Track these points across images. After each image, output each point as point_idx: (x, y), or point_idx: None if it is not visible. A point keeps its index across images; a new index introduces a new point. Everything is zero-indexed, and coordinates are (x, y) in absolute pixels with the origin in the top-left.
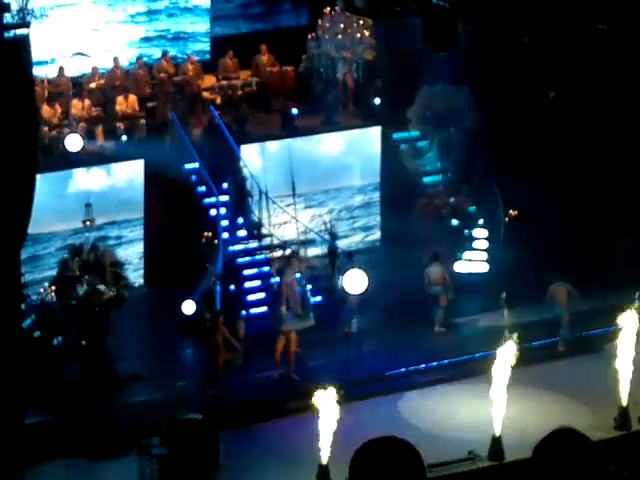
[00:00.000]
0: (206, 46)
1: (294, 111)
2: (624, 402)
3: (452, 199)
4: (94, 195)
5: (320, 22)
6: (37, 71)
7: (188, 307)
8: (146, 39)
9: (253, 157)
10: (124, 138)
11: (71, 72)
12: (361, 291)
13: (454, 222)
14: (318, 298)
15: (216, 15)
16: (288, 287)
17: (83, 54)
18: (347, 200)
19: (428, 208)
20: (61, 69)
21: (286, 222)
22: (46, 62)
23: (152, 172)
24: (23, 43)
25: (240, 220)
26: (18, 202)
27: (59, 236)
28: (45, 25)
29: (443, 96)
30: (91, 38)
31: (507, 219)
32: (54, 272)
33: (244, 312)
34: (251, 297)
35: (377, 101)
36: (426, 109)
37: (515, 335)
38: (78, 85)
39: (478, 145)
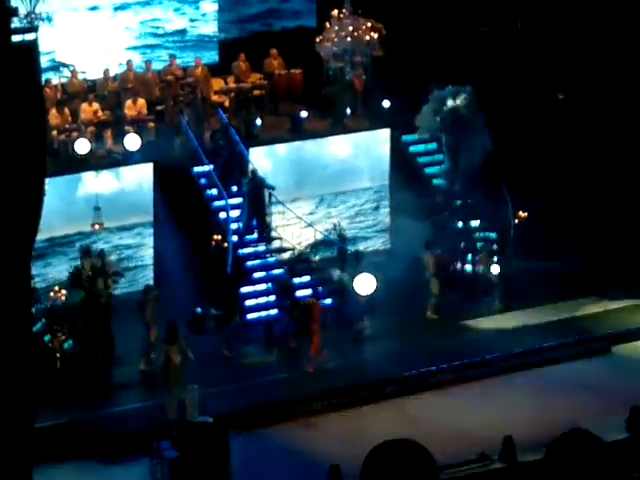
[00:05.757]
0: (214, 49)
1: (303, 114)
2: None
3: (469, 200)
4: (103, 199)
5: (328, 25)
6: (49, 75)
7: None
8: (153, 43)
9: (262, 160)
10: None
11: (82, 76)
12: (369, 292)
13: (471, 224)
14: (328, 301)
15: (224, 18)
16: None
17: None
18: (356, 202)
19: (444, 211)
20: (74, 72)
21: (296, 224)
22: (57, 66)
23: (161, 175)
24: (31, 47)
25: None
26: (28, 206)
27: (68, 240)
28: (52, 29)
29: (451, 100)
30: (98, 42)
31: (517, 221)
32: (63, 276)
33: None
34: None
35: (386, 103)
36: (435, 115)
37: None
38: (90, 89)
39: (488, 148)
